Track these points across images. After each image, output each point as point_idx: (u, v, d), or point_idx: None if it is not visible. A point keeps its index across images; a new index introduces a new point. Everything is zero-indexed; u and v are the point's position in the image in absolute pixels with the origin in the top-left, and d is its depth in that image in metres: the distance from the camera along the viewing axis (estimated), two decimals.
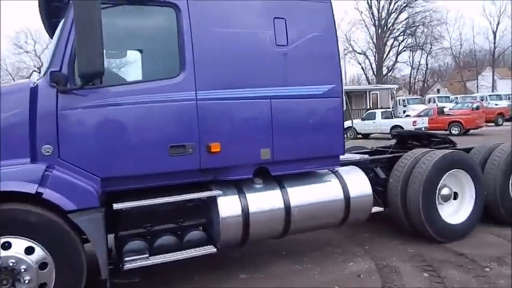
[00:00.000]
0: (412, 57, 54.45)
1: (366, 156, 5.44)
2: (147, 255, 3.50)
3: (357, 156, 5.37)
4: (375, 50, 49.93)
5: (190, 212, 3.89)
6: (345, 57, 47.68)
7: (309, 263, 4.51)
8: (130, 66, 3.98)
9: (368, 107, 30.65)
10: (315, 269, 4.34)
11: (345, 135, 23.97)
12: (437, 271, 4.13)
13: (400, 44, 50.76)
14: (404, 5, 47.25)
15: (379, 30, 49.16)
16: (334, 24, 4.31)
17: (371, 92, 32.43)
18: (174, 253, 3.61)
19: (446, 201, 5.05)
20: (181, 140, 3.64)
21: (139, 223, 3.66)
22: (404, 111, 32.66)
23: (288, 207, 4.08)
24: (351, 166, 4.78)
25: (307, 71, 4.17)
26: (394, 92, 34.01)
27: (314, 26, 4.21)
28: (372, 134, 23.76)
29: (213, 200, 3.86)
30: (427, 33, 49.20)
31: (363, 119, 23.82)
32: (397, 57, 51.56)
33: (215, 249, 3.75)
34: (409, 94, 53.60)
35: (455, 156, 5.07)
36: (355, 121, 24.61)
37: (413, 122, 21.38)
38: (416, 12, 47.66)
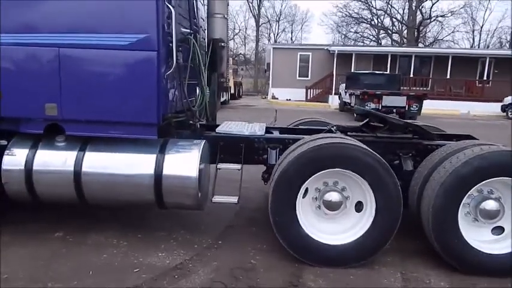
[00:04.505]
0: None
1: (261, 133, 4.23)
2: None
3: (247, 132, 4.24)
4: None
5: None
6: None
7: (123, 241, 3.92)
8: None
9: None
10: (105, 249, 3.74)
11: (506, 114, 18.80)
12: None
13: None
14: None
15: None
16: None
17: None
18: None
19: (333, 211, 3.62)
20: None
21: None
22: None
23: (78, 173, 3.62)
24: (195, 141, 3.83)
25: (108, 16, 3.41)
26: None
27: None
28: None
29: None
30: None
31: None
32: None
33: None
34: None
35: (338, 150, 3.44)
36: None
37: None
38: None
